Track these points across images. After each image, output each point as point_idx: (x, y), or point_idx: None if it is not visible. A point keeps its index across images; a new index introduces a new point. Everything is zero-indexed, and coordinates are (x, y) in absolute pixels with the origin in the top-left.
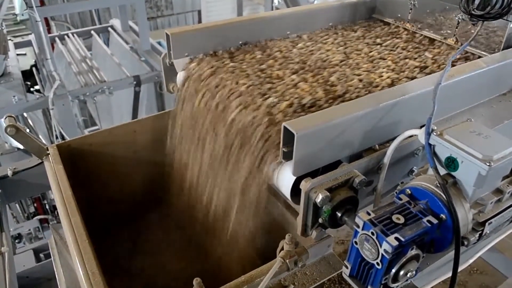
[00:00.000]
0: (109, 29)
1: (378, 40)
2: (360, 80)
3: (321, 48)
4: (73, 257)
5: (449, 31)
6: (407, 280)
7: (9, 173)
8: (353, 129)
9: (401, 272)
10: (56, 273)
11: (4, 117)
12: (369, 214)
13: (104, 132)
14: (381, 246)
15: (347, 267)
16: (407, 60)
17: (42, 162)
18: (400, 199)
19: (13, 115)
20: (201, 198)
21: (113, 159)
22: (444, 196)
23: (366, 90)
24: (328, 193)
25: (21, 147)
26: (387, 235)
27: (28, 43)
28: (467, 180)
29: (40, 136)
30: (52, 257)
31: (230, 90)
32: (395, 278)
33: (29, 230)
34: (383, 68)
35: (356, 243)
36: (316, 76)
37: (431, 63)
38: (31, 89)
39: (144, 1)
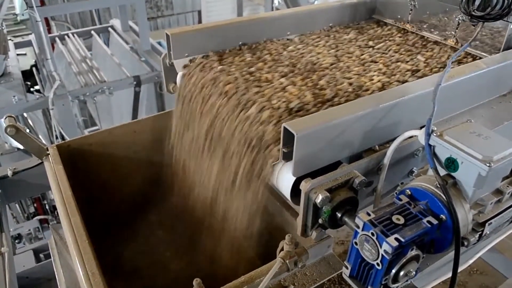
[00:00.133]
0: (109, 29)
1: (371, 43)
2: (350, 84)
3: (312, 51)
4: (73, 258)
5: (449, 32)
6: (407, 281)
7: (9, 173)
8: (353, 130)
9: (401, 273)
10: (56, 273)
11: (4, 117)
12: (369, 214)
13: (104, 132)
14: (381, 247)
15: (347, 268)
16: (399, 63)
17: (42, 162)
18: (400, 200)
19: (13, 115)
20: (201, 198)
21: (113, 159)
22: (444, 197)
23: (355, 94)
24: (328, 194)
25: (21, 147)
26: (387, 236)
27: (28, 43)
28: (467, 180)
29: (40, 136)
30: (52, 257)
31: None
32: (395, 279)
33: (29, 230)
34: (374, 72)
35: (356, 243)
36: (305, 79)
37: (423, 67)
38: (31, 89)
39: (144, 1)
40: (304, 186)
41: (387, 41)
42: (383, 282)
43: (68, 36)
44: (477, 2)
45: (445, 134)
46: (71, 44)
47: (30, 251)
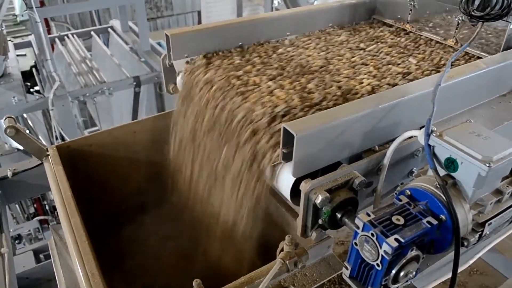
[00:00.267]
0: (109, 29)
1: (362, 45)
2: (339, 87)
3: (302, 53)
4: (73, 258)
5: (448, 32)
6: (407, 281)
7: (9, 174)
8: (353, 130)
9: (401, 273)
10: (56, 274)
11: (4, 118)
12: (369, 215)
13: (104, 133)
14: (381, 247)
15: (347, 268)
16: (390, 66)
17: (42, 163)
18: (400, 200)
19: (13, 116)
20: (200, 198)
21: (113, 160)
22: (444, 197)
23: (344, 98)
24: (328, 194)
25: (21, 148)
26: (387, 236)
27: (28, 44)
28: (467, 181)
29: (40, 137)
30: (52, 258)
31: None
32: (395, 279)
33: (29, 231)
34: (364, 74)
35: (356, 244)
36: (294, 82)
37: (414, 69)
38: (31, 90)
39: (144, 1)
40: (304, 186)
41: (379, 43)
42: (383, 283)
43: (68, 37)
44: (476, 2)
45: (444, 134)
46: (71, 44)
47: (30, 251)
